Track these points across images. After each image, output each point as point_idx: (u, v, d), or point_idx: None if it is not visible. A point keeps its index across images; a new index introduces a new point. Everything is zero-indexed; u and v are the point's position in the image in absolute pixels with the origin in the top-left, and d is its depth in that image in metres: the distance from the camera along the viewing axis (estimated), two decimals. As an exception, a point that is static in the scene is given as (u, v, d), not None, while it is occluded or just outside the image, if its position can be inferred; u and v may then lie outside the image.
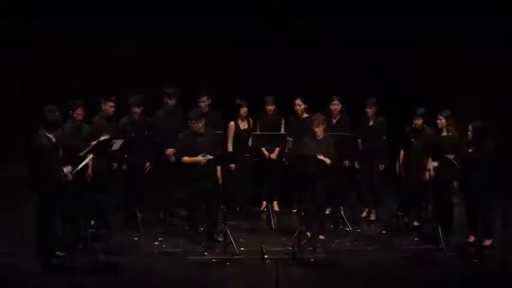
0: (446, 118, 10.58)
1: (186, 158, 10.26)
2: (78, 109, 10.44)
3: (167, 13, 13.28)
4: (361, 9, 13.33)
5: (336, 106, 11.45)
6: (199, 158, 10.13)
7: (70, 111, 10.40)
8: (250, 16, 13.37)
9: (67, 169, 9.55)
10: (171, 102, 11.28)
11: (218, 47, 13.77)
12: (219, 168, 10.43)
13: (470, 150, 10.19)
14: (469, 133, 10.22)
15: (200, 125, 10.26)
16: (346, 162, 11.44)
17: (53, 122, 9.56)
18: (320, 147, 10.23)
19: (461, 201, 10.57)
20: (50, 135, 9.52)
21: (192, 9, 13.24)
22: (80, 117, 10.48)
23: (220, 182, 10.44)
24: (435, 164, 10.34)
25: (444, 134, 10.60)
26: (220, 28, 13.69)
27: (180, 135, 10.60)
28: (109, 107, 10.89)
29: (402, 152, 10.97)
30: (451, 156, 10.07)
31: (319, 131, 10.28)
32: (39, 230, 9.62)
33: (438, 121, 10.62)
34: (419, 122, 10.89)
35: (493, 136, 10.22)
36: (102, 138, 9.97)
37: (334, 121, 11.43)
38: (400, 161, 10.99)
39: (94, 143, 9.89)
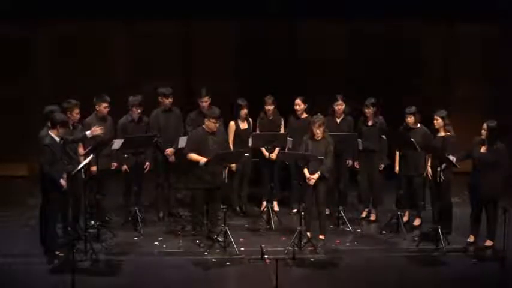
0: (443, 118, 10.57)
1: (192, 155, 10.27)
2: (75, 109, 10.43)
3: (167, 13, 13.27)
4: (361, 10, 13.32)
5: (340, 106, 11.44)
6: (204, 158, 10.15)
7: (68, 112, 10.35)
8: (250, 16, 13.37)
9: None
10: (168, 101, 11.28)
11: (219, 47, 13.76)
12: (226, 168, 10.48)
13: (482, 151, 10.15)
14: (483, 132, 10.14)
15: (218, 123, 10.34)
16: (349, 162, 11.46)
17: (61, 122, 9.60)
18: (319, 148, 10.23)
19: (462, 201, 10.55)
20: (54, 135, 9.55)
21: (194, 9, 13.23)
22: (77, 117, 10.47)
23: (226, 181, 10.47)
24: (444, 165, 10.27)
25: (442, 134, 10.58)
26: (221, 28, 13.69)
27: (194, 130, 10.65)
28: (103, 107, 10.88)
29: (401, 151, 10.95)
30: (450, 157, 10.07)
31: (319, 132, 10.27)
32: (48, 229, 9.72)
33: (434, 121, 10.61)
34: (410, 120, 10.88)
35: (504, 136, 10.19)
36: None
37: (338, 121, 11.44)
38: (399, 160, 10.98)
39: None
